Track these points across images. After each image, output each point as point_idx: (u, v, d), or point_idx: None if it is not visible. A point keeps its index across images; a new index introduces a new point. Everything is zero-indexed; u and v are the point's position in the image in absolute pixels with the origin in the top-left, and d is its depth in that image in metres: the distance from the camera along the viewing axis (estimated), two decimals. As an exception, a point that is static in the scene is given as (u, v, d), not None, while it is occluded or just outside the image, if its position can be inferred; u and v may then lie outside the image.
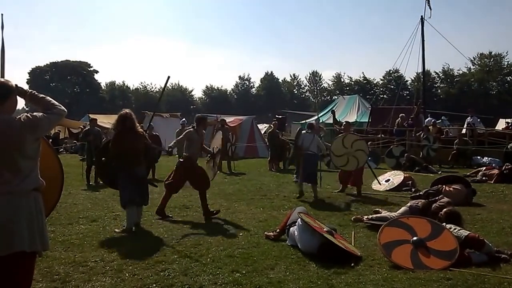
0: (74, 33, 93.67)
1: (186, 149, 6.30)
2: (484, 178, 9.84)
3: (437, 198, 5.89)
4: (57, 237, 5.05)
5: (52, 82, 60.37)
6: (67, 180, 8.38)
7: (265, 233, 5.09)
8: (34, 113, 2.48)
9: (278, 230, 5.00)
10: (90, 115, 18.68)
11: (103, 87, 64.71)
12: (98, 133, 10.34)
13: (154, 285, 3.63)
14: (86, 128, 10.91)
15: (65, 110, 2.58)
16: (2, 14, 2.94)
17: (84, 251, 4.54)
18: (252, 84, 65.55)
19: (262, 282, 3.64)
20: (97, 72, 63.96)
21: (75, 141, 17.78)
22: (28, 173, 2.41)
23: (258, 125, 20.23)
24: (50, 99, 2.59)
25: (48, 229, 2.80)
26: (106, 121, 21.37)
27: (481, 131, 15.32)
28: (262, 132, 19.38)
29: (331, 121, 19.12)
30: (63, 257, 4.31)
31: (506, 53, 49.63)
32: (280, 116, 21.06)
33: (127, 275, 3.84)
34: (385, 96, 45.14)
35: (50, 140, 17.42)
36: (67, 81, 61.48)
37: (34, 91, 2.63)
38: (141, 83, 65.03)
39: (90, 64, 63.33)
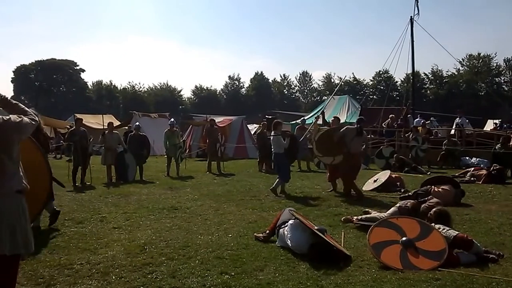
0: (60, 31, 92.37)
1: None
2: (472, 178, 9.94)
3: (426, 198, 5.91)
4: (42, 239, 4.92)
5: (37, 81, 59.33)
6: (53, 181, 8.25)
7: (255, 234, 5.05)
8: (20, 116, 2.47)
9: (267, 231, 4.97)
10: (76, 115, 18.39)
11: (89, 86, 63.94)
12: (84, 133, 10.14)
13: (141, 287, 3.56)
14: (72, 128, 10.71)
15: (38, 120, 2.65)
16: None
17: (69, 254, 4.44)
18: (242, 84, 65.54)
19: (251, 284, 3.60)
20: (83, 71, 63.31)
21: (61, 141, 17.47)
22: (12, 175, 2.38)
23: (248, 125, 20.14)
24: (24, 106, 2.62)
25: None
26: (93, 121, 21.13)
27: (469, 132, 15.52)
28: (252, 133, 19.33)
29: (321, 121, 19.20)
30: (48, 260, 4.22)
31: (495, 54, 50.62)
32: (270, 117, 21.03)
33: (113, 278, 3.76)
34: (374, 96, 45.53)
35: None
36: (53, 80, 60.51)
37: (7, 97, 2.63)
38: (129, 82, 64.44)
39: (76, 63, 62.62)
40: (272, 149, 8.48)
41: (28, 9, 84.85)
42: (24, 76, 58.39)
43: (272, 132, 8.58)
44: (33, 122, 2.53)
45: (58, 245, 4.77)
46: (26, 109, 2.60)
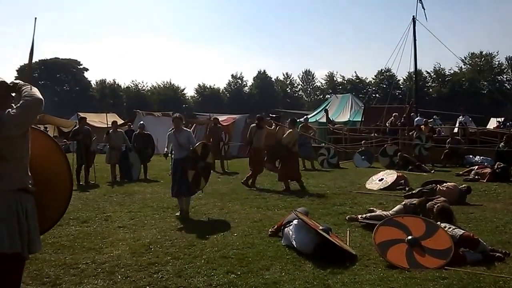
0: (63, 30, 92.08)
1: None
2: (476, 177, 9.91)
3: (434, 197, 5.90)
4: (47, 238, 4.93)
5: (41, 80, 59.27)
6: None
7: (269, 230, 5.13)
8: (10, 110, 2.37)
9: (275, 227, 5.04)
10: (79, 114, 18.42)
11: (93, 85, 64.10)
12: (87, 132, 10.24)
13: (147, 287, 3.57)
14: (76, 127, 10.79)
15: (40, 98, 2.42)
16: (36, 18, 2.86)
17: (75, 253, 4.46)
18: (245, 83, 65.41)
19: (257, 283, 3.60)
20: (87, 70, 63.45)
21: (65, 140, 17.54)
22: (2, 174, 2.36)
23: (251, 124, 20.12)
24: (27, 90, 2.43)
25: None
26: (97, 119, 21.22)
27: (472, 130, 15.47)
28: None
29: (324, 120, 19.19)
30: (53, 259, 4.23)
31: (497, 52, 50.30)
32: (275, 115, 21.03)
33: (119, 277, 3.77)
34: (377, 95, 45.38)
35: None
36: (56, 79, 60.70)
37: (22, 83, 2.54)
38: (133, 81, 64.44)
39: (80, 62, 62.72)
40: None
41: (31, 8, 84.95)
42: (27, 75, 58.52)
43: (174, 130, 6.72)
44: (23, 109, 2.32)
45: (63, 244, 4.78)
46: (27, 93, 2.40)
